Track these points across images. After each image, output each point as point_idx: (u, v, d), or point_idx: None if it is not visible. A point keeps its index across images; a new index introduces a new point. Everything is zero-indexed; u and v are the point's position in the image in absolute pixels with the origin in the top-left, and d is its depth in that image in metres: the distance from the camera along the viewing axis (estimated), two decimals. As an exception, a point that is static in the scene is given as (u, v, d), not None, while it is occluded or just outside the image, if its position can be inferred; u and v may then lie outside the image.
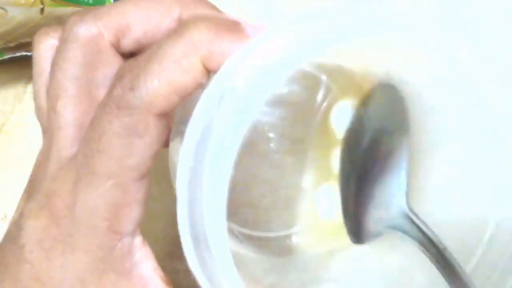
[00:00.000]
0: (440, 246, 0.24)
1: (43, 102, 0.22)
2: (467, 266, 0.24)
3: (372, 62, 0.26)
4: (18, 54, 0.34)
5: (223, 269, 0.19)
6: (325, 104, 0.28)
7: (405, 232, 0.25)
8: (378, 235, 0.26)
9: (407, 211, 0.25)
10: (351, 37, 0.18)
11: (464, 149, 0.25)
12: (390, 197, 0.26)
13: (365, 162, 0.27)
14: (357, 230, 0.27)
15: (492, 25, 0.21)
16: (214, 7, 0.22)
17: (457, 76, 0.23)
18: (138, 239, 0.21)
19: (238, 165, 0.18)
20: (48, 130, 0.21)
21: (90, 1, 0.34)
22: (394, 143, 0.26)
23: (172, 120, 0.24)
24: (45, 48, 0.22)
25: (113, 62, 0.21)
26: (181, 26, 0.20)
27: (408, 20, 0.19)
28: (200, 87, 0.19)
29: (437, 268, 0.24)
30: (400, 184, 0.26)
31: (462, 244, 0.24)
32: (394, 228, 0.26)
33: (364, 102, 0.27)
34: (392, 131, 0.26)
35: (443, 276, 0.23)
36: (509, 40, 0.21)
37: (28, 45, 0.34)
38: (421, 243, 0.24)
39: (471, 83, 0.22)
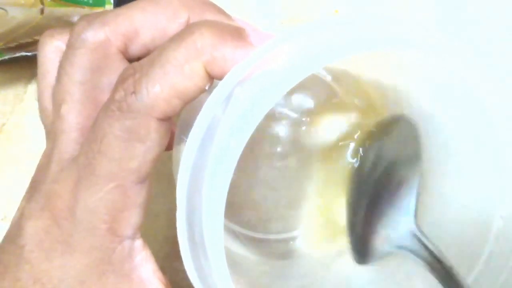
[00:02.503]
0: (447, 265, 0.24)
1: (47, 104, 0.22)
2: (475, 268, 0.23)
3: (378, 68, 0.26)
4: (18, 54, 0.34)
5: (219, 277, 0.19)
6: (330, 107, 0.28)
7: (412, 251, 0.25)
8: (384, 255, 0.26)
9: (415, 230, 0.25)
10: (355, 53, 0.18)
11: (466, 147, 0.25)
12: (399, 217, 0.26)
13: (376, 187, 0.26)
14: (362, 250, 0.26)
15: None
16: (221, 11, 0.22)
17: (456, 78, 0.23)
18: (138, 242, 0.21)
19: (241, 166, 0.18)
20: (52, 133, 0.21)
21: (90, 1, 0.34)
22: (406, 171, 0.26)
23: (175, 124, 0.24)
24: (49, 50, 0.22)
25: (119, 68, 0.21)
26: (184, 30, 0.20)
27: (415, 36, 0.19)
28: (203, 92, 0.19)
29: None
30: (409, 206, 0.26)
31: (468, 246, 0.24)
32: (402, 247, 0.25)
33: (379, 133, 0.27)
34: (404, 160, 0.26)
35: None
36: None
37: (28, 45, 0.34)
38: (428, 263, 0.24)
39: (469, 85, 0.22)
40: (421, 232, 0.25)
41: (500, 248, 0.23)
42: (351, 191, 0.27)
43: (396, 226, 0.26)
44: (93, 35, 0.21)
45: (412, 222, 0.25)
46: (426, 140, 0.26)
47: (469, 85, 0.22)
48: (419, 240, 0.25)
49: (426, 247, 0.24)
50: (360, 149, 0.26)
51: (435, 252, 0.24)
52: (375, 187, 0.26)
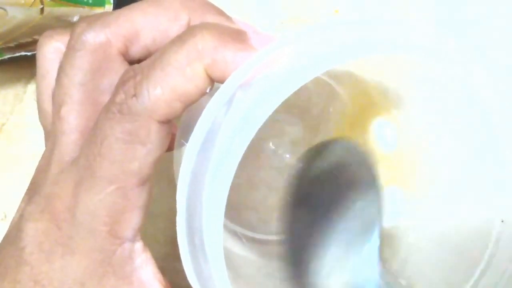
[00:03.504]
0: None
1: (46, 105, 0.22)
2: (475, 272, 0.23)
3: (379, 68, 0.26)
4: (18, 54, 0.34)
5: (218, 281, 0.19)
6: (331, 109, 0.28)
7: None
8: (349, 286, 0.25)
9: (379, 280, 0.24)
10: (357, 57, 0.18)
11: (465, 148, 0.25)
12: (358, 261, 0.24)
13: (332, 215, 0.25)
14: (305, 280, 0.25)
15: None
16: (222, 13, 0.22)
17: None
18: (139, 245, 0.21)
19: (242, 166, 0.18)
20: (51, 134, 0.21)
21: (90, 1, 0.34)
22: (365, 209, 0.25)
23: (175, 126, 0.24)
24: (49, 51, 0.22)
25: (120, 70, 0.21)
26: (185, 33, 0.20)
27: (416, 41, 0.19)
28: (204, 94, 0.19)
29: None
30: (372, 251, 0.25)
31: (468, 250, 0.24)
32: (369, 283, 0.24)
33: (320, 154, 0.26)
34: (365, 197, 0.25)
35: None
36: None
37: (28, 45, 0.34)
38: None
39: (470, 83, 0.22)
40: (388, 270, 0.24)
41: (500, 252, 0.23)
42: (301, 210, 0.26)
43: (354, 272, 0.25)
44: (94, 36, 0.21)
45: (375, 271, 0.24)
46: (426, 141, 0.26)
47: (469, 85, 0.22)
48: (387, 279, 0.24)
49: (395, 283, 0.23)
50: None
51: None
52: (328, 218, 0.25)
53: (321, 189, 0.26)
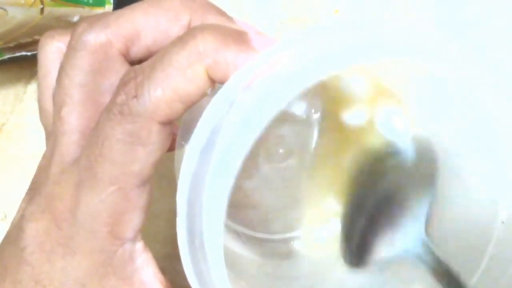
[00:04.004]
0: (455, 273, 0.23)
1: (48, 105, 0.22)
2: (475, 273, 0.23)
3: (381, 69, 0.26)
4: (18, 54, 0.34)
5: (218, 282, 0.19)
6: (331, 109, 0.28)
7: (419, 258, 0.24)
8: (384, 259, 0.25)
9: (425, 238, 0.24)
10: (362, 60, 0.18)
11: (465, 149, 0.25)
12: (408, 223, 0.25)
13: (386, 189, 0.26)
14: (358, 250, 0.26)
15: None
16: (223, 13, 0.22)
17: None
18: (139, 245, 0.21)
19: (244, 166, 0.18)
20: (52, 135, 0.21)
21: (90, 1, 0.34)
22: (417, 190, 0.25)
23: (176, 127, 0.24)
24: (50, 51, 0.22)
25: (121, 71, 0.21)
26: (186, 34, 0.20)
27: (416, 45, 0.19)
28: (205, 96, 0.19)
29: None
30: (420, 212, 0.25)
31: (469, 251, 0.24)
32: (408, 252, 0.25)
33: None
34: (417, 182, 0.26)
35: None
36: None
37: (28, 45, 0.34)
38: (436, 270, 0.23)
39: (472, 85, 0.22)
40: (431, 240, 0.24)
41: (501, 253, 0.23)
42: (357, 188, 0.26)
43: (404, 231, 0.25)
44: (95, 37, 0.21)
45: (422, 229, 0.25)
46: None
47: (469, 86, 0.22)
48: (428, 248, 0.24)
49: (434, 255, 0.24)
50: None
51: (444, 261, 0.23)
52: (385, 189, 0.26)
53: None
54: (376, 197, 0.26)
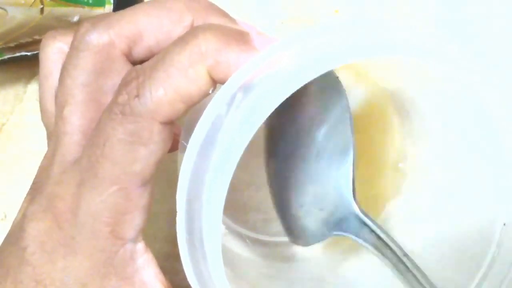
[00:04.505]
0: (395, 247, 0.22)
1: (49, 105, 0.22)
2: (477, 275, 0.23)
3: (381, 68, 0.26)
4: (18, 54, 0.33)
5: (218, 282, 0.19)
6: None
7: (356, 235, 0.23)
8: (326, 237, 0.24)
9: (357, 212, 0.23)
10: (361, 56, 0.18)
11: (467, 151, 0.25)
12: (335, 195, 0.24)
13: (300, 153, 0.24)
14: (296, 231, 0.24)
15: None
16: (226, 14, 0.22)
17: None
18: (141, 245, 0.21)
19: (245, 167, 0.18)
20: (54, 135, 0.21)
21: (90, 1, 0.34)
22: (335, 135, 0.24)
23: (178, 127, 0.24)
24: (52, 51, 0.22)
25: (123, 71, 0.21)
26: (188, 34, 0.20)
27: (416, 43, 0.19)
28: (206, 96, 0.19)
29: (396, 275, 0.22)
30: (346, 180, 0.23)
31: (470, 253, 0.24)
32: (343, 230, 0.24)
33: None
34: (331, 123, 0.24)
35: (404, 283, 0.22)
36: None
37: (28, 45, 0.34)
38: (376, 247, 0.23)
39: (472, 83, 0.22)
40: (364, 213, 0.23)
41: (502, 254, 0.23)
42: (270, 156, 0.25)
43: (334, 207, 0.24)
44: (97, 37, 0.21)
45: (351, 202, 0.23)
46: (427, 142, 0.26)
47: (468, 87, 0.22)
48: (362, 222, 0.23)
49: (371, 230, 0.23)
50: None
51: (382, 235, 0.22)
52: (299, 152, 0.24)
53: (291, 129, 0.25)
54: (292, 166, 0.25)
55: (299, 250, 0.28)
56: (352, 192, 0.24)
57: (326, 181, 0.24)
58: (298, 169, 0.25)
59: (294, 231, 0.25)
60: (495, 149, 0.22)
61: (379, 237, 0.23)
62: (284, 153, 0.25)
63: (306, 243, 0.25)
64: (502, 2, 0.36)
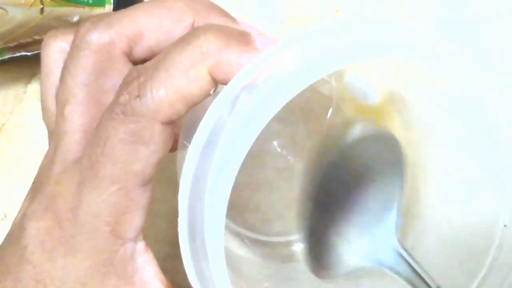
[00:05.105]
0: (434, 286, 0.22)
1: (50, 104, 0.22)
2: (477, 276, 0.23)
3: (381, 70, 0.26)
4: (18, 54, 0.34)
5: (219, 282, 0.19)
6: (331, 108, 0.28)
7: (393, 270, 0.23)
8: (353, 269, 0.25)
9: (398, 247, 0.24)
10: (363, 58, 0.18)
11: (467, 151, 0.25)
12: (378, 230, 0.24)
13: (350, 190, 0.25)
14: (324, 261, 0.25)
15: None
16: (227, 14, 0.22)
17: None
18: (141, 245, 0.21)
19: (246, 167, 0.18)
20: (55, 134, 0.21)
21: (90, 1, 0.34)
22: (386, 182, 0.25)
23: (178, 128, 0.24)
24: (53, 50, 0.22)
25: (124, 70, 0.21)
26: (189, 34, 0.20)
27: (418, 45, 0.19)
28: (207, 96, 0.19)
29: None
30: (390, 218, 0.24)
31: (471, 254, 0.24)
32: (381, 264, 0.24)
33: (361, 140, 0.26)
34: (383, 170, 0.25)
35: None
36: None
37: (28, 45, 0.34)
38: (412, 284, 0.23)
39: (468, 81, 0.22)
40: (404, 249, 0.24)
41: (503, 256, 0.22)
42: (318, 189, 0.25)
43: (374, 239, 0.24)
44: (98, 37, 0.21)
45: (394, 237, 0.24)
46: (427, 143, 0.25)
47: (469, 87, 0.22)
48: (402, 258, 0.23)
49: (411, 267, 0.23)
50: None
51: (421, 273, 0.23)
52: (348, 191, 0.25)
53: (337, 177, 0.25)
54: (339, 194, 0.25)
55: (297, 251, 0.28)
56: (396, 228, 0.24)
57: (369, 212, 0.25)
58: (344, 198, 0.25)
59: (320, 260, 0.25)
60: (496, 150, 0.22)
61: (418, 275, 0.23)
62: (332, 200, 0.25)
63: (331, 274, 0.25)
64: (502, 2, 0.36)
